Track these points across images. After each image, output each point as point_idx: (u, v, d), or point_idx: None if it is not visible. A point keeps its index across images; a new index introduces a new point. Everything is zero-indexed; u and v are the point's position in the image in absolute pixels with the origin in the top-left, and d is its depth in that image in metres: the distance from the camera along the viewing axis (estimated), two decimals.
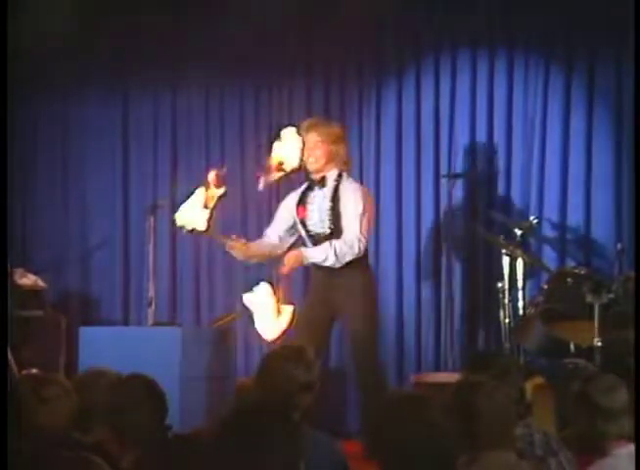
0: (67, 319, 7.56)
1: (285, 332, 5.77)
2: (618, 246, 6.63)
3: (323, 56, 7.67)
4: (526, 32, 7.21)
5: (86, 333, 6.22)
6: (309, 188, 6.10)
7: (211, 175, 5.92)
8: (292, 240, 6.20)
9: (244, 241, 6.09)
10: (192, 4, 7.73)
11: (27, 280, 7.55)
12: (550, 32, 7.16)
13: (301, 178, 6.36)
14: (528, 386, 5.14)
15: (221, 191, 5.91)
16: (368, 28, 7.51)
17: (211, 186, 5.90)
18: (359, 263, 5.96)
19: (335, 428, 6.19)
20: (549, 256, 7.12)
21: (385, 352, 6.95)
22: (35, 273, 7.64)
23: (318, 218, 5.99)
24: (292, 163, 5.98)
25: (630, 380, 3.87)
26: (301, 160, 5.99)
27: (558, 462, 3.65)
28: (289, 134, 6.02)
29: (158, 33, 7.75)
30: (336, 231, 5.92)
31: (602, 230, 7.00)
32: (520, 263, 6.57)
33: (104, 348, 5.81)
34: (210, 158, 7.83)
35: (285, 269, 5.94)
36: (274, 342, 5.77)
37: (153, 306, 6.70)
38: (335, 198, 5.95)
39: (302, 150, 5.97)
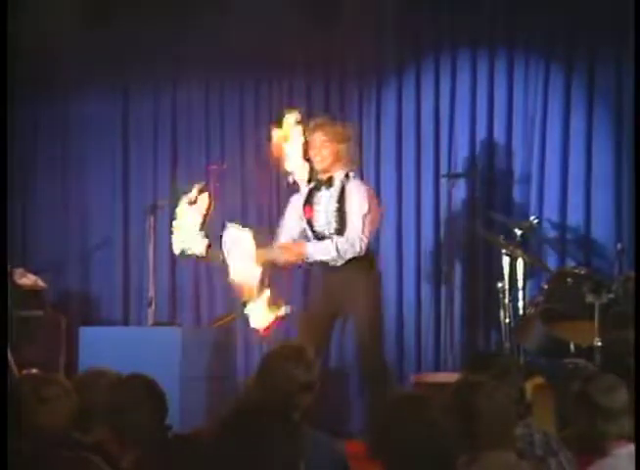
0: (67, 319, 7.56)
1: (274, 323, 5.78)
2: (618, 246, 6.63)
3: (323, 55, 7.67)
4: (527, 32, 7.21)
5: (86, 333, 6.23)
6: (316, 188, 6.09)
7: (193, 192, 5.96)
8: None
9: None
10: (192, 3, 7.72)
11: (27, 280, 7.56)
12: (550, 32, 7.16)
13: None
14: (528, 386, 5.14)
15: (206, 201, 5.94)
16: (368, 28, 7.51)
17: (197, 200, 5.94)
18: (364, 262, 5.96)
19: (336, 428, 6.19)
20: (549, 256, 7.12)
21: (385, 352, 6.94)
22: (35, 273, 7.65)
23: (325, 220, 5.99)
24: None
25: (630, 380, 3.87)
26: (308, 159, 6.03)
27: (558, 462, 3.65)
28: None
29: (158, 33, 7.74)
30: (342, 231, 5.93)
31: (602, 230, 7.00)
32: (520, 263, 6.57)
33: (104, 348, 5.82)
34: (210, 155, 7.84)
35: (286, 263, 5.97)
36: (264, 331, 5.79)
37: (153, 306, 6.70)
38: (341, 198, 5.95)
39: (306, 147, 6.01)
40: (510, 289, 6.56)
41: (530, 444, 3.67)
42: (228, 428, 2.61)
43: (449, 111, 7.36)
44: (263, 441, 2.55)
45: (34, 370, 5.74)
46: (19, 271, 7.53)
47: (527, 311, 6.48)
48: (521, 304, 6.57)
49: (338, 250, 5.86)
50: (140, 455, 3.42)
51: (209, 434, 2.66)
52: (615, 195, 6.96)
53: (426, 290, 7.33)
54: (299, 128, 6.03)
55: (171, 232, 7.72)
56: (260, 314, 5.80)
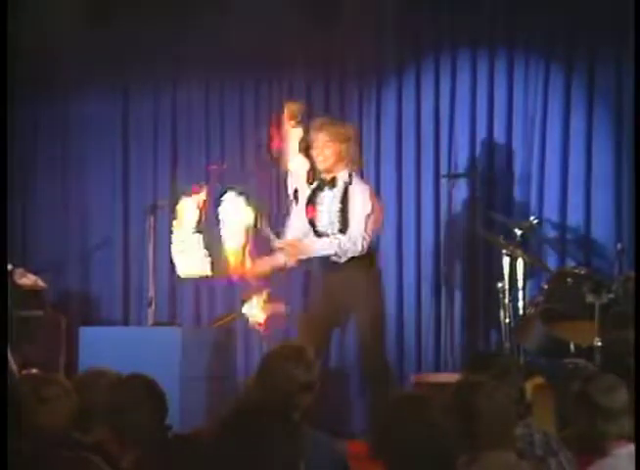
0: (67, 319, 7.56)
1: (271, 321, 5.82)
2: (618, 246, 6.63)
3: (323, 55, 7.67)
4: (527, 32, 7.21)
5: (86, 333, 6.22)
6: (319, 188, 6.11)
7: (180, 206, 6.02)
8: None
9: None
10: (192, 3, 7.72)
11: (27, 280, 7.55)
12: (550, 32, 7.16)
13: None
14: (528, 386, 5.15)
15: (196, 217, 6.01)
16: (368, 28, 7.51)
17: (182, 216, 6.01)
18: (364, 260, 5.97)
19: (336, 428, 6.18)
20: (549, 256, 7.12)
21: (386, 351, 6.94)
22: (35, 273, 7.64)
23: (328, 220, 6.01)
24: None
25: (630, 380, 3.87)
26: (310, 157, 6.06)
27: (558, 462, 3.65)
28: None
29: (158, 33, 7.74)
30: (344, 232, 5.94)
31: (602, 230, 7.00)
32: (520, 263, 6.56)
33: (104, 348, 5.81)
34: (210, 155, 7.85)
35: (289, 260, 5.98)
36: (264, 330, 5.83)
37: (153, 306, 6.70)
38: (344, 199, 5.97)
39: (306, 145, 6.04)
40: (510, 289, 6.56)
41: (530, 444, 3.67)
42: (228, 428, 2.61)
43: (449, 111, 7.36)
44: (263, 441, 2.55)
45: (34, 370, 5.74)
46: (19, 271, 7.53)
47: (527, 311, 6.48)
48: (521, 304, 6.57)
49: (340, 247, 5.88)
50: (140, 455, 3.42)
51: (209, 434, 2.66)
52: (615, 195, 6.96)
53: (426, 290, 7.33)
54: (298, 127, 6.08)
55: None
56: (257, 312, 5.86)
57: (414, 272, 7.37)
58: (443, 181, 7.26)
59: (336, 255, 5.92)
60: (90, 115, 8.15)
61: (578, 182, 7.05)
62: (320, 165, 6.06)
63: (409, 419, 2.83)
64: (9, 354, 6.13)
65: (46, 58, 7.86)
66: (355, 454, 4.99)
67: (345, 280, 5.94)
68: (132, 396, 3.57)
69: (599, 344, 5.78)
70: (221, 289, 7.84)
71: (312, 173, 6.19)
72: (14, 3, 6.86)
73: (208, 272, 6.08)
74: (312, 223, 6.08)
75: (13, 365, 6.33)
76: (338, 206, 5.98)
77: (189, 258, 6.07)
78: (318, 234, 6.06)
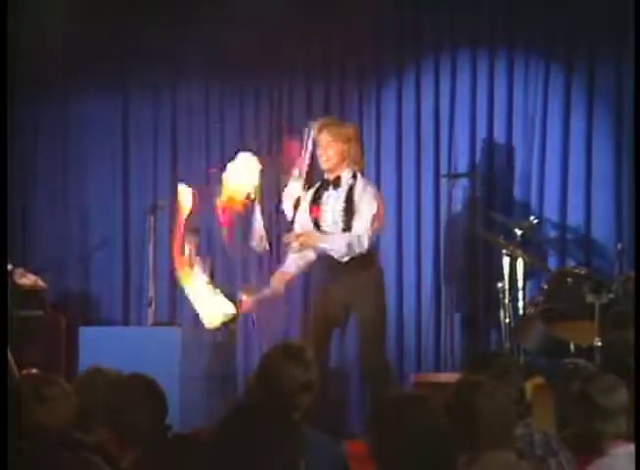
0: (67, 319, 7.55)
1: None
2: (618, 246, 6.63)
3: (323, 56, 7.67)
4: (527, 32, 7.21)
5: (86, 333, 6.23)
6: (322, 188, 6.12)
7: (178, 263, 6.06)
8: None
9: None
10: (192, 4, 7.72)
11: (27, 280, 7.55)
12: (550, 32, 7.16)
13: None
14: (528, 386, 5.15)
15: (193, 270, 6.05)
16: (368, 28, 7.51)
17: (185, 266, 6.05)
18: (366, 260, 5.98)
19: (336, 428, 6.19)
20: (549, 256, 7.12)
21: (387, 350, 6.94)
22: (35, 273, 7.64)
23: (332, 220, 6.02)
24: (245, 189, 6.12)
25: (630, 380, 3.87)
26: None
27: (558, 462, 3.65)
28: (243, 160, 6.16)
29: (158, 33, 7.74)
30: (348, 231, 5.95)
31: (602, 230, 7.00)
32: (520, 263, 6.57)
33: (104, 348, 5.82)
34: (210, 155, 7.85)
35: (296, 245, 6.00)
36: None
37: (153, 306, 6.70)
38: (349, 199, 5.98)
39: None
40: (510, 289, 6.56)
41: (530, 444, 3.67)
42: (228, 428, 2.61)
43: (449, 111, 7.36)
44: (263, 441, 2.55)
45: (34, 370, 5.74)
46: (19, 271, 7.53)
47: (527, 311, 6.48)
48: (521, 304, 6.57)
49: (347, 245, 5.90)
50: (140, 455, 3.42)
51: (209, 434, 2.66)
52: (615, 195, 6.97)
53: (426, 290, 7.33)
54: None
55: (171, 232, 7.77)
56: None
57: (414, 272, 7.37)
58: (443, 181, 7.26)
59: (341, 251, 5.92)
60: (90, 115, 8.14)
61: (578, 182, 7.05)
62: (323, 165, 6.09)
63: (409, 419, 2.83)
64: (9, 354, 6.13)
65: (46, 58, 7.85)
66: (355, 454, 4.99)
67: (347, 279, 5.96)
68: (132, 395, 3.57)
69: (599, 344, 5.79)
70: (221, 289, 7.84)
71: (309, 177, 6.21)
72: (14, 3, 6.86)
73: (233, 311, 6.10)
74: (316, 223, 6.09)
75: (13, 365, 6.33)
76: (342, 205, 6.00)
77: (210, 306, 6.09)
78: (322, 234, 6.08)
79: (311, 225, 6.12)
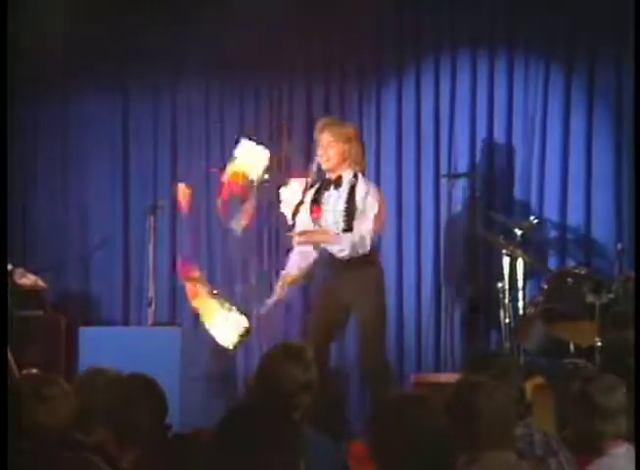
0: (67, 319, 7.55)
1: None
2: (618, 246, 6.63)
3: (323, 56, 7.67)
4: (527, 32, 7.21)
5: (86, 333, 6.23)
6: (323, 187, 6.12)
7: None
8: None
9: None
10: (192, 4, 7.72)
11: (27, 280, 7.55)
12: (550, 32, 7.16)
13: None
14: (528, 386, 5.15)
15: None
16: (368, 28, 7.51)
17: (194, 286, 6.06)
18: (367, 260, 5.98)
19: (337, 428, 6.19)
20: (549, 256, 7.12)
21: (387, 350, 6.94)
22: (35, 273, 7.64)
23: (332, 220, 6.02)
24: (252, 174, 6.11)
25: (630, 380, 3.87)
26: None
27: (558, 462, 3.65)
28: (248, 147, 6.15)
29: (158, 33, 7.74)
30: (349, 231, 5.95)
31: (602, 230, 7.00)
32: (520, 263, 6.57)
33: (104, 348, 5.82)
34: (210, 155, 7.85)
35: (303, 239, 5.99)
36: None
37: (153, 306, 6.70)
38: (350, 199, 5.98)
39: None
40: (510, 289, 6.56)
41: (530, 444, 3.67)
42: (228, 428, 2.61)
43: (449, 111, 7.36)
44: (263, 441, 2.55)
45: (34, 370, 5.74)
46: (19, 271, 7.53)
47: (527, 311, 6.48)
48: (521, 304, 6.57)
49: (352, 246, 5.90)
50: (140, 455, 3.42)
51: (209, 434, 2.66)
52: (615, 195, 6.97)
53: (426, 290, 7.33)
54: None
55: (171, 232, 7.79)
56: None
57: (414, 272, 7.37)
58: (443, 181, 7.26)
59: (345, 251, 5.92)
60: (90, 115, 8.15)
61: (578, 182, 7.05)
62: (324, 165, 6.09)
63: (409, 419, 2.83)
64: (9, 354, 6.13)
65: (46, 58, 7.85)
66: (355, 454, 4.99)
67: (347, 279, 5.96)
68: (132, 395, 3.57)
69: (599, 344, 5.79)
70: (221, 289, 7.84)
71: (310, 177, 6.21)
72: (14, 3, 6.86)
73: (246, 324, 6.08)
74: (317, 223, 6.09)
75: (13, 365, 6.33)
76: (343, 205, 6.00)
77: (223, 327, 6.08)
78: None
79: (312, 225, 6.12)
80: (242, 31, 7.36)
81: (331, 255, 6.02)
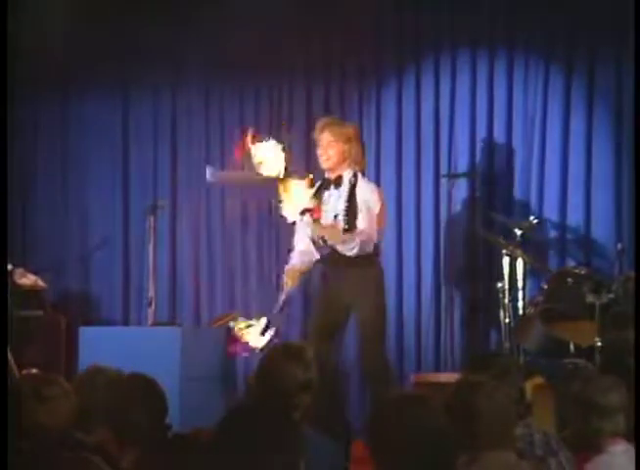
0: (67, 319, 7.56)
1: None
2: (618, 246, 6.63)
3: (323, 56, 7.67)
4: (527, 32, 7.21)
5: (86, 333, 6.22)
6: (323, 187, 6.11)
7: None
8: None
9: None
10: (192, 4, 7.72)
11: (27, 280, 7.55)
12: (550, 32, 7.16)
13: None
14: (528, 386, 5.15)
15: None
16: (368, 28, 7.51)
17: None
18: (367, 260, 5.98)
19: (337, 428, 6.19)
20: (549, 256, 7.12)
21: (387, 350, 6.94)
22: (35, 273, 7.64)
23: (333, 219, 6.01)
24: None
25: (630, 380, 3.88)
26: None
27: (558, 462, 3.65)
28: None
29: (158, 33, 7.74)
30: (350, 231, 5.94)
31: (602, 230, 7.00)
32: (520, 263, 6.57)
33: (104, 348, 5.81)
34: (211, 154, 7.84)
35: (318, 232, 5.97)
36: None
37: (153, 306, 6.70)
38: (351, 198, 5.98)
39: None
40: (510, 289, 6.56)
41: (530, 444, 3.67)
42: (228, 428, 2.61)
43: (449, 111, 7.36)
44: (263, 441, 2.55)
45: (34, 370, 5.74)
46: (19, 271, 7.53)
47: (527, 311, 6.48)
48: (521, 304, 6.58)
49: (359, 245, 5.90)
50: (140, 455, 3.42)
51: (209, 434, 2.66)
52: (615, 195, 6.97)
53: (426, 290, 7.33)
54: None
55: (171, 232, 7.78)
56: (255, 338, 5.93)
57: (414, 272, 7.37)
58: (443, 181, 7.26)
59: (353, 250, 5.92)
60: (90, 115, 8.15)
61: (578, 182, 7.05)
62: (324, 165, 6.09)
63: (409, 419, 2.83)
64: (9, 354, 6.13)
65: (46, 58, 7.85)
66: (355, 455, 4.99)
67: (347, 279, 5.96)
68: (132, 395, 3.57)
69: (599, 344, 5.79)
70: (221, 289, 7.85)
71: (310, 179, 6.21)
72: (14, 3, 6.86)
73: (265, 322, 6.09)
74: (317, 222, 6.07)
75: (13, 365, 6.33)
76: (344, 205, 5.99)
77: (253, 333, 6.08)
78: None
79: (311, 225, 6.12)
80: (242, 31, 7.36)
81: (331, 255, 6.02)
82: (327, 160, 6.06)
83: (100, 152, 8.15)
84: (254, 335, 6.00)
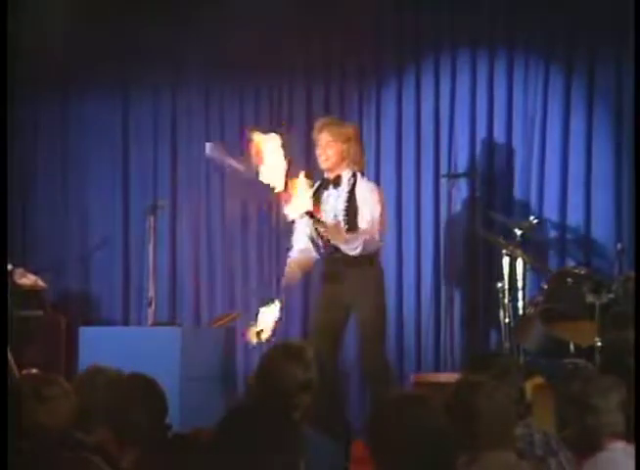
0: (67, 319, 7.56)
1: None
2: (618, 246, 6.63)
3: (323, 56, 7.67)
4: (527, 32, 7.21)
5: (86, 333, 6.22)
6: (322, 187, 6.11)
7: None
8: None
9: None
10: (192, 4, 7.72)
11: (27, 280, 7.55)
12: (550, 32, 7.16)
13: None
14: (528, 386, 5.15)
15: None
16: (368, 28, 7.51)
17: None
18: (367, 260, 5.98)
19: (337, 428, 6.18)
20: (549, 256, 7.12)
21: (387, 350, 6.94)
22: (35, 273, 7.64)
23: (332, 219, 6.01)
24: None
25: (630, 380, 3.87)
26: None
27: (558, 462, 3.65)
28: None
29: (158, 33, 7.74)
30: (350, 231, 5.94)
31: (602, 230, 7.00)
32: (519, 263, 6.57)
33: (104, 348, 5.81)
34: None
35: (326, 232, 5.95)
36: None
37: (153, 306, 6.70)
38: (351, 198, 5.98)
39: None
40: (510, 289, 6.56)
41: (530, 444, 3.67)
42: (228, 428, 2.61)
43: (449, 111, 7.36)
44: (263, 441, 2.55)
45: (34, 370, 5.74)
46: (19, 271, 7.53)
47: (527, 311, 6.48)
48: (521, 304, 6.58)
49: (363, 246, 5.89)
50: (140, 455, 3.42)
51: (209, 434, 2.66)
52: (615, 195, 6.97)
53: (426, 290, 7.33)
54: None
55: (171, 232, 7.78)
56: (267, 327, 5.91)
57: (414, 272, 7.37)
58: (443, 181, 7.26)
59: (357, 250, 5.91)
60: (90, 115, 8.15)
61: (578, 182, 7.05)
62: (323, 165, 6.09)
63: (409, 419, 2.83)
64: (9, 354, 6.13)
65: (46, 58, 7.85)
66: (355, 455, 4.99)
67: (347, 279, 5.96)
68: (132, 395, 3.57)
69: (599, 344, 5.79)
70: (221, 289, 7.85)
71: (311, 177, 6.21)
72: (14, 3, 6.86)
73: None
74: (320, 222, 6.07)
75: (13, 365, 6.33)
76: (343, 204, 6.00)
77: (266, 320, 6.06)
78: (321, 234, 6.07)
79: (312, 225, 6.12)
80: (242, 31, 7.36)
81: (332, 254, 6.02)
82: (326, 160, 6.06)
83: (100, 152, 8.15)
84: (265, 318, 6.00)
